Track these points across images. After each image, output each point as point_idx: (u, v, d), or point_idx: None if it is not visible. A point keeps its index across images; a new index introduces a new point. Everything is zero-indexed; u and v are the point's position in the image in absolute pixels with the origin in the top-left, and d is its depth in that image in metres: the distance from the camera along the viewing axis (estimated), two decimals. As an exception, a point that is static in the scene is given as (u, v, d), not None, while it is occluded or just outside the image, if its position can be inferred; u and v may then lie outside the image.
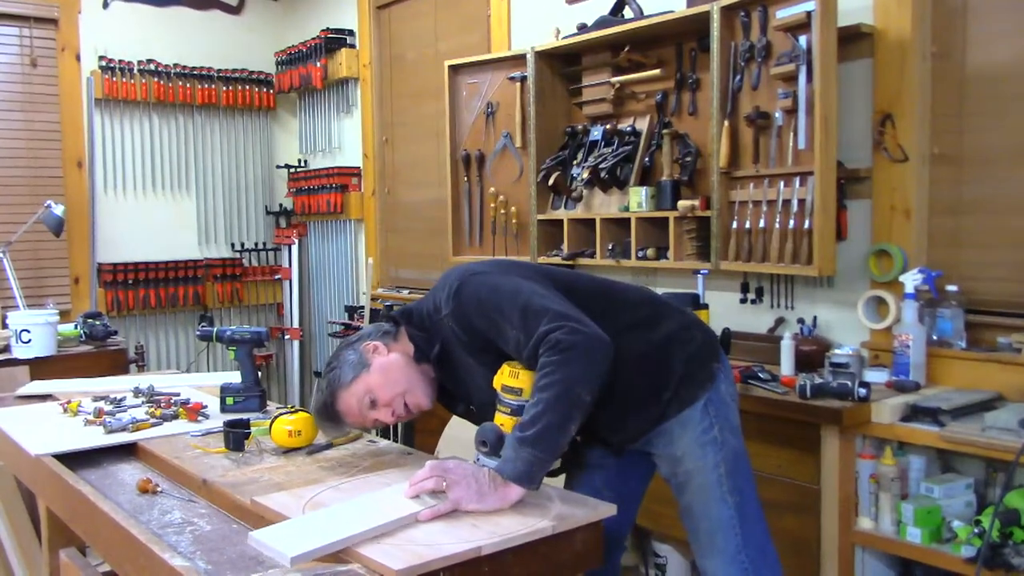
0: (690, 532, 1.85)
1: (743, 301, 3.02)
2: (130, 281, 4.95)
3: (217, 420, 2.21)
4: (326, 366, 1.85)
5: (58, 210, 4.15)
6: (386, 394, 1.78)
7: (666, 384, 1.79)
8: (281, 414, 1.99)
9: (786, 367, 2.62)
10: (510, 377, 1.66)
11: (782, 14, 2.63)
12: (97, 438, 2.07)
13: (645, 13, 3.18)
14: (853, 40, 2.64)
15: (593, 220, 3.29)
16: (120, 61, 4.92)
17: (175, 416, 2.27)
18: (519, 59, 3.55)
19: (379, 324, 1.89)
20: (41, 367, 3.33)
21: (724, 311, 3.02)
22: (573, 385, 1.56)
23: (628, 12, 3.28)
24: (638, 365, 1.77)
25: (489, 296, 1.70)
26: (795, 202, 2.63)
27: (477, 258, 3.90)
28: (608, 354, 1.60)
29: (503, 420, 1.65)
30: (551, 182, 3.39)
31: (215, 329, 2.41)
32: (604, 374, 1.61)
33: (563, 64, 3.50)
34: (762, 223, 2.74)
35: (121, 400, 2.45)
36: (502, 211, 3.71)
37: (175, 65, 5.10)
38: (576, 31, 3.39)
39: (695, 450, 1.78)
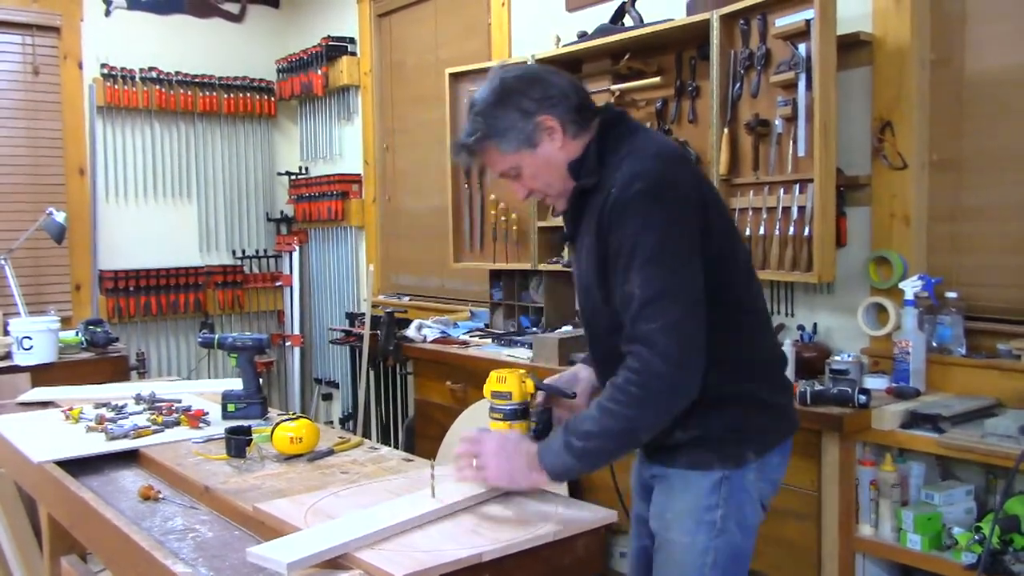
0: None
1: (743, 308, 3.02)
2: (131, 288, 4.96)
3: (219, 427, 2.22)
4: (493, 99, 1.59)
5: (60, 217, 4.16)
6: (533, 184, 1.65)
7: (686, 425, 1.56)
8: (282, 420, 1.99)
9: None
10: (497, 383, 1.66)
11: (781, 22, 2.64)
12: (99, 445, 2.08)
13: (645, 21, 3.19)
14: (852, 48, 2.65)
15: (593, 227, 3.29)
16: (122, 69, 4.94)
17: (177, 423, 2.28)
18: (520, 67, 3.55)
19: (569, 95, 1.61)
20: (42, 374, 3.33)
21: (724, 318, 3.02)
22: (640, 429, 1.50)
23: (628, 20, 3.29)
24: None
25: (647, 233, 1.46)
26: (795, 209, 2.64)
27: (478, 266, 3.91)
28: (684, 404, 1.48)
29: (497, 427, 1.65)
30: (552, 189, 3.39)
31: (216, 336, 2.42)
32: (671, 417, 1.50)
33: (563, 71, 3.50)
34: (762, 230, 2.75)
35: (123, 407, 2.45)
36: (503, 218, 3.72)
37: (177, 73, 5.12)
38: (576, 39, 3.40)
39: (686, 523, 1.58)
